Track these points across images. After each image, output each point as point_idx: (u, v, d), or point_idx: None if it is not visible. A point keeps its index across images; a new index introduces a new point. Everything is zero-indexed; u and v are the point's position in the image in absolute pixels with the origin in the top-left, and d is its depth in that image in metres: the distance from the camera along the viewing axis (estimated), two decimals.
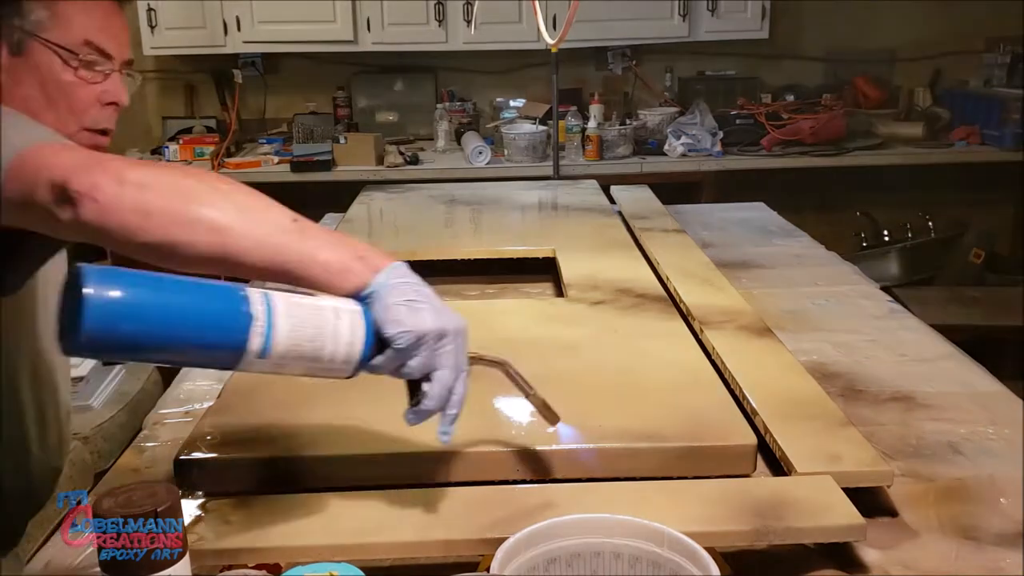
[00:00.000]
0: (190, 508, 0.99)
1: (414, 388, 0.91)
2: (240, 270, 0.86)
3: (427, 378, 0.89)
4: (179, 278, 0.82)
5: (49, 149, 0.88)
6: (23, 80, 1.06)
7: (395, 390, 1.20)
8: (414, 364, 0.88)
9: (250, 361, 0.82)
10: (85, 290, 0.74)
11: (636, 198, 2.58)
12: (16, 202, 0.87)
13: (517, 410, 1.18)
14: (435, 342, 0.89)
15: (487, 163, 3.85)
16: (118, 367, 2.89)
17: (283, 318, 0.82)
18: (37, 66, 1.06)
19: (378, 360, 0.88)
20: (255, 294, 0.82)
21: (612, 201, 2.57)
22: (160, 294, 0.79)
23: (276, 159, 3.92)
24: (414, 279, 0.94)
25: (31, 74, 1.06)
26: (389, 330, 0.87)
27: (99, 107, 1.10)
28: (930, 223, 4.37)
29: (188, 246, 0.83)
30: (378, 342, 0.87)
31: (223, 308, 0.81)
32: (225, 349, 0.81)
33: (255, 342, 0.81)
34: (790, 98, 4.31)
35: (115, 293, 0.76)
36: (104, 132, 1.12)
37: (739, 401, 1.22)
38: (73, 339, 0.75)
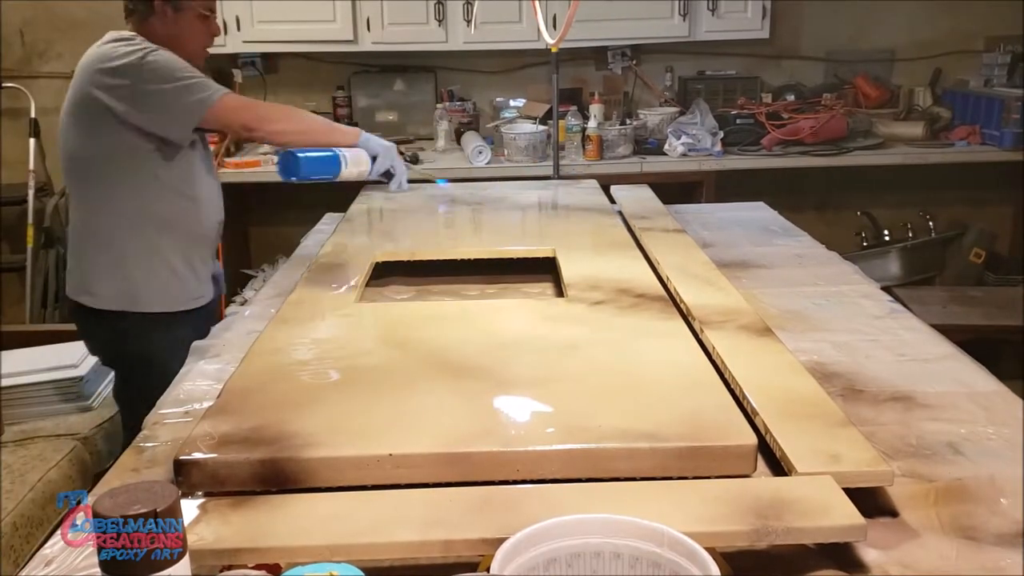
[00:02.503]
0: (190, 508, 0.99)
1: (388, 177, 2.42)
2: (318, 145, 2.26)
3: (392, 170, 2.41)
4: (315, 150, 2.23)
5: (229, 101, 2.11)
6: (179, 24, 2.15)
7: (393, 392, 1.20)
8: (386, 164, 2.35)
9: (341, 172, 2.24)
10: (299, 155, 2.19)
11: (636, 198, 2.58)
12: (214, 125, 2.20)
13: (517, 410, 1.18)
14: (391, 152, 2.36)
15: (487, 163, 3.85)
16: None
17: (348, 154, 2.24)
18: (187, 17, 2.15)
19: (377, 164, 2.32)
20: (339, 151, 2.23)
21: (612, 201, 2.57)
22: (314, 156, 2.21)
23: (276, 159, 3.92)
24: (370, 135, 2.37)
25: (184, 21, 2.15)
26: (375, 150, 2.33)
27: (210, 36, 2.24)
28: (930, 223, 4.37)
29: (298, 143, 2.25)
30: (372, 159, 2.32)
31: (332, 156, 2.23)
32: (335, 166, 2.23)
33: (342, 163, 2.23)
34: (790, 98, 4.31)
35: (304, 155, 2.20)
36: (207, 49, 2.26)
37: (739, 401, 1.22)
38: (296, 173, 2.19)
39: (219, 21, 2.31)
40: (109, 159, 2.10)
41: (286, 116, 2.26)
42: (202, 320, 2.20)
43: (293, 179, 2.12)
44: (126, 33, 2.14)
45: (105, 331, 2.22)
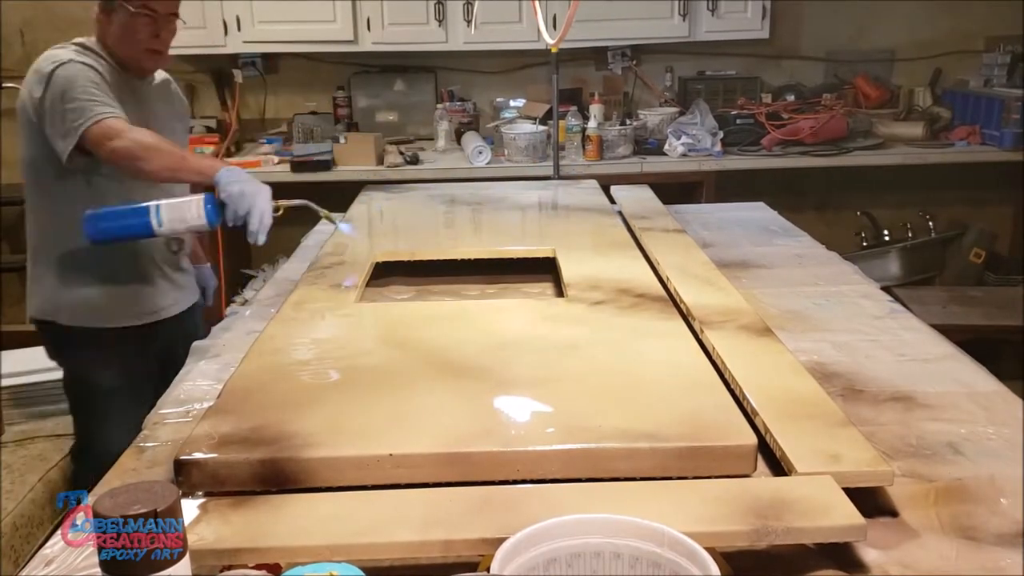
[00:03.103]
0: (190, 508, 0.99)
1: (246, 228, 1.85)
2: (167, 181, 2.01)
3: (247, 220, 1.83)
4: (118, 208, 1.90)
5: (92, 136, 1.90)
6: (116, 24, 2.07)
7: (393, 392, 1.19)
8: (240, 212, 1.82)
9: (157, 232, 1.85)
10: (86, 225, 1.85)
11: (636, 198, 2.58)
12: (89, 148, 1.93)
13: (517, 410, 1.18)
14: (245, 197, 1.82)
15: (487, 163, 3.85)
16: None
17: (166, 212, 1.83)
18: (121, 17, 2.06)
19: (227, 213, 1.83)
20: (151, 204, 1.84)
21: (612, 201, 2.57)
22: (109, 217, 1.87)
23: (276, 159, 3.92)
24: (239, 172, 1.89)
25: (118, 21, 2.06)
26: (222, 196, 1.84)
27: (151, 37, 2.08)
28: (930, 223, 4.37)
29: (148, 176, 1.95)
30: (222, 206, 1.84)
31: (137, 218, 1.84)
32: (141, 223, 1.84)
33: (153, 222, 1.82)
34: (790, 98, 4.30)
35: (98, 222, 1.86)
36: (157, 51, 2.11)
37: (739, 401, 1.22)
38: (87, 237, 1.85)
39: (180, 23, 2.15)
40: (32, 166, 2.06)
41: (136, 155, 1.89)
42: (150, 340, 2.13)
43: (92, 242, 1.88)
44: (69, 43, 2.09)
45: (43, 341, 2.24)
